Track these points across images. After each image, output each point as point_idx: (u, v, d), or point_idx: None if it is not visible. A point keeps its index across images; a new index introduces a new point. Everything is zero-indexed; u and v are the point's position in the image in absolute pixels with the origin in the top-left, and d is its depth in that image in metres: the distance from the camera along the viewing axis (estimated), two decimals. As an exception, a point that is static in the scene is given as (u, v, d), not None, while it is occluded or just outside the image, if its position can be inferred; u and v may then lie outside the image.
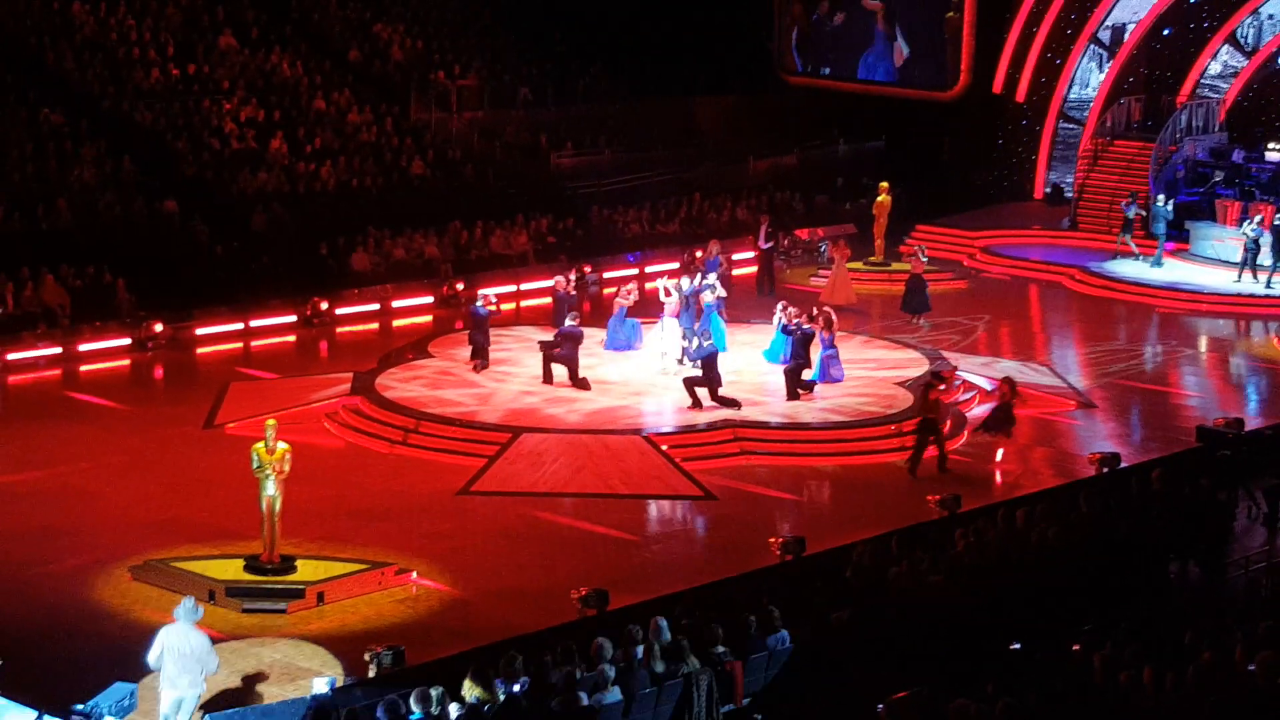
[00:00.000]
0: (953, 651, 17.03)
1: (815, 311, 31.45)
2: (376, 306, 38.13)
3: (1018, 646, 17.40)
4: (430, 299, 38.89)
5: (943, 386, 28.07)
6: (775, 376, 30.43)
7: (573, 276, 36.02)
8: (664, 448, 27.29)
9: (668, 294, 31.81)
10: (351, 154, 42.85)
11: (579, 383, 29.98)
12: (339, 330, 36.84)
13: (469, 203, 42.87)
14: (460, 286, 38.72)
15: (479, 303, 31.68)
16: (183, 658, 17.42)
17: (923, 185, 47.84)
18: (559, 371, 30.31)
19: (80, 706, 16.38)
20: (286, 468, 21.78)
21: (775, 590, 18.28)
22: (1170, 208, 42.45)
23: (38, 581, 22.10)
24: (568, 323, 30.34)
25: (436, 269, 39.88)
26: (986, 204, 49.12)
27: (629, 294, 33.08)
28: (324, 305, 36.81)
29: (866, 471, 27.37)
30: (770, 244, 40.71)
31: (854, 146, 52.64)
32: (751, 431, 28.25)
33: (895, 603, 18.09)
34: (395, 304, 38.36)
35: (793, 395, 29.68)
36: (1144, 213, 42.92)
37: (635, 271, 40.84)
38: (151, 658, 17.60)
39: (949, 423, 28.27)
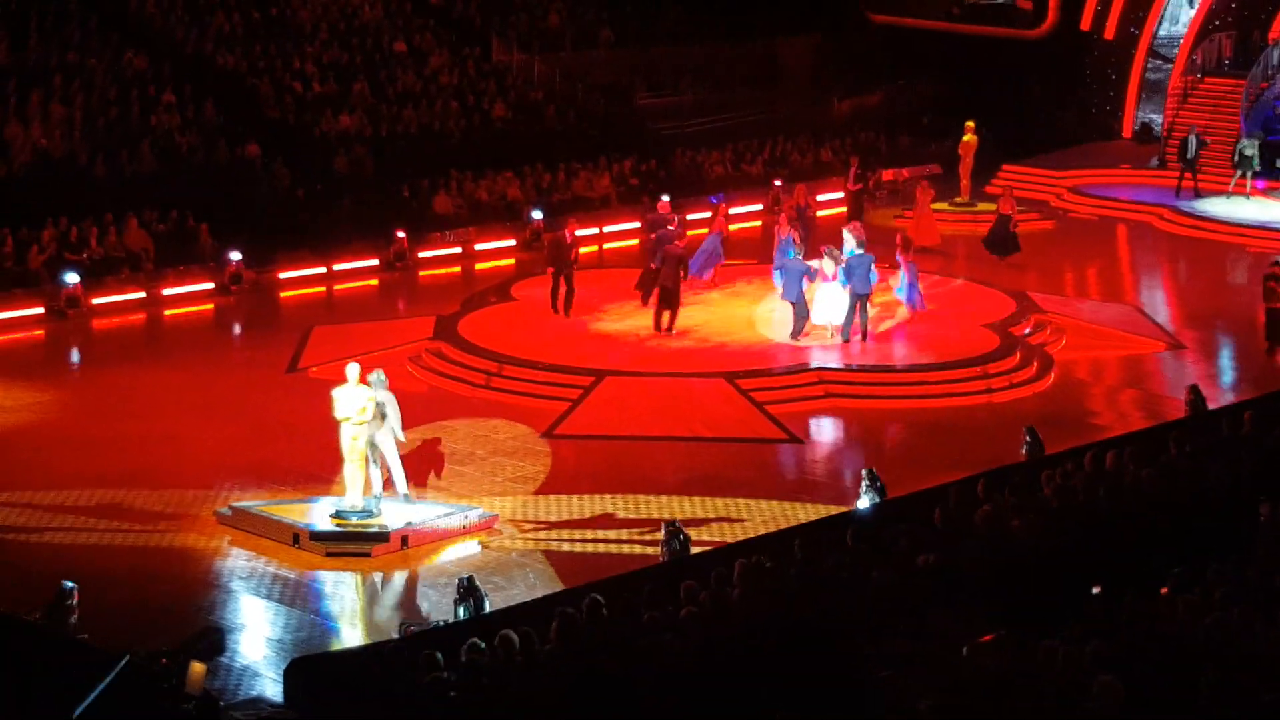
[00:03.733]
0: (1038, 595, 16.93)
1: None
2: (459, 249, 38.21)
3: (1098, 590, 17.29)
4: (513, 241, 38.91)
5: None
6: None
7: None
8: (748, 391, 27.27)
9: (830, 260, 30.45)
10: (433, 96, 42.86)
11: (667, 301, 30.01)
12: (421, 273, 36.95)
13: (551, 145, 42.83)
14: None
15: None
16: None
17: (1009, 125, 47.37)
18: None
19: (167, 651, 16.51)
20: (368, 411, 21.84)
21: (859, 534, 18.18)
22: (1255, 146, 41.87)
23: (124, 526, 22.31)
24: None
25: (519, 211, 39.89)
26: (1073, 143, 48.59)
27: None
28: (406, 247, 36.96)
29: (953, 414, 27.22)
30: (859, 185, 40.48)
31: (939, 86, 52.17)
32: (836, 374, 28.15)
33: (981, 546, 17.99)
34: (477, 246, 38.42)
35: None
36: (1206, 143, 42.42)
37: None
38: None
39: None
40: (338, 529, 21.58)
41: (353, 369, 21.81)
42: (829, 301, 29.96)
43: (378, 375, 22.27)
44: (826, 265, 29.86)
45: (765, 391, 27.38)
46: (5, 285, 32.91)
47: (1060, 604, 16.24)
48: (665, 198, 37.24)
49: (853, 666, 15.40)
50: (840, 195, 41.39)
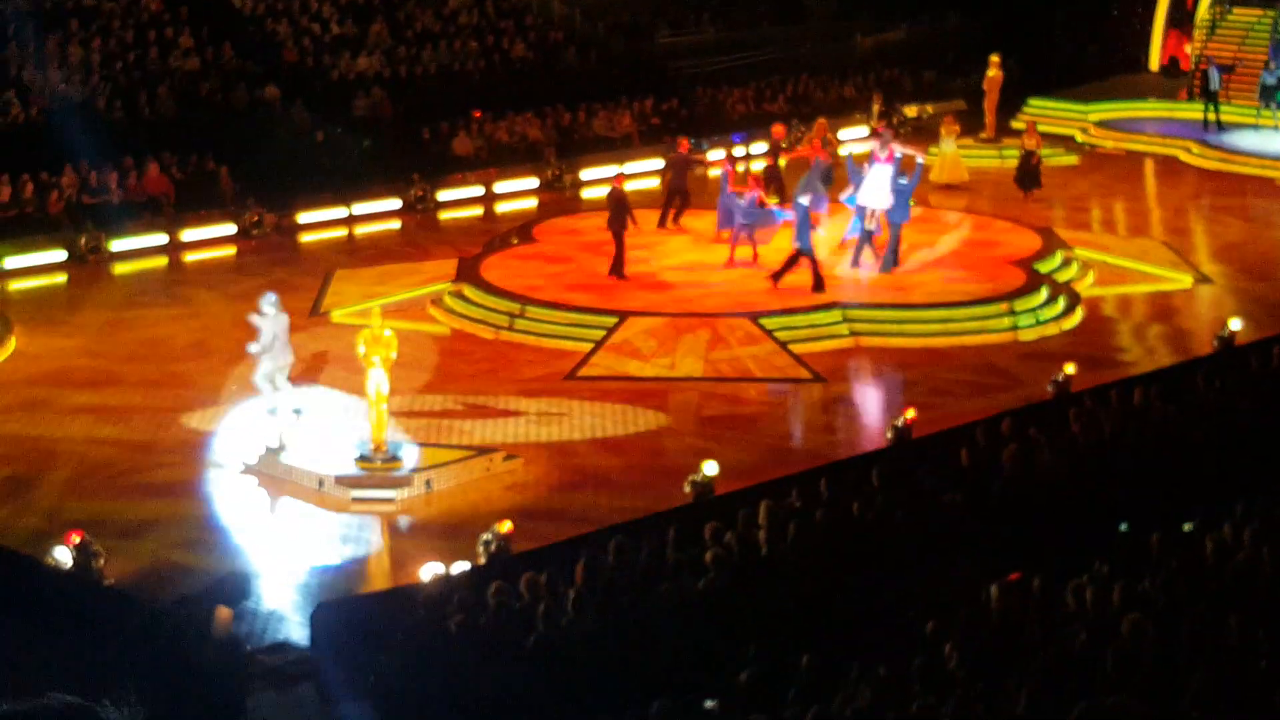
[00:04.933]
0: (1065, 534, 16.94)
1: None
2: (480, 191, 38.16)
3: (1125, 528, 17.29)
4: (535, 183, 38.85)
5: None
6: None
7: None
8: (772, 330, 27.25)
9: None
10: (452, 37, 42.75)
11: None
12: (442, 215, 36.92)
13: (571, 85, 42.72)
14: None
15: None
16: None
17: (1034, 58, 47.08)
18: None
19: (192, 597, 16.62)
20: (393, 354, 21.89)
21: (885, 473, 18.19)
22: (1277, 76, 41.62)
23: (147, 473, 22.38)
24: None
25: (540, 152, 39.82)
26: (1100, 77, 48.30)
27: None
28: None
29: (979, 352, 27.18)
30: (883, 122, 40.31)
31: (963, 20, 51.88)
32: (861, 312, 28.11)
33: (1007, 485, 17.99)
34: (498, 188, 38.37)
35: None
36: (1232, 69, 42.27)
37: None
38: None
39: None
40: (362, 473, 21.64)
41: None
42: (875, 186, 30.08)
43: (270, 298, 23.58)
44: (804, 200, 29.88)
45: (789, 331, 27.36)
46: (26, 230, 32.96)
47: (1087, 543, 16.25)
48: (686, 139, 37.10)
49: (878, 608, 15.43)
50: (864, 133, 41.24)
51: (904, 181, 30.03)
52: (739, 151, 37.41)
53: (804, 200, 29.18)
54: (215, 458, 22.78)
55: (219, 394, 25.13)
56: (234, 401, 24.66)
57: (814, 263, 28.98)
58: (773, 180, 33.26)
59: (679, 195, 33.34)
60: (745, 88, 45.47)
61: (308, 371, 25.89)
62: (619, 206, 30.06)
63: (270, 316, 23.60)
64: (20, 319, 28.56)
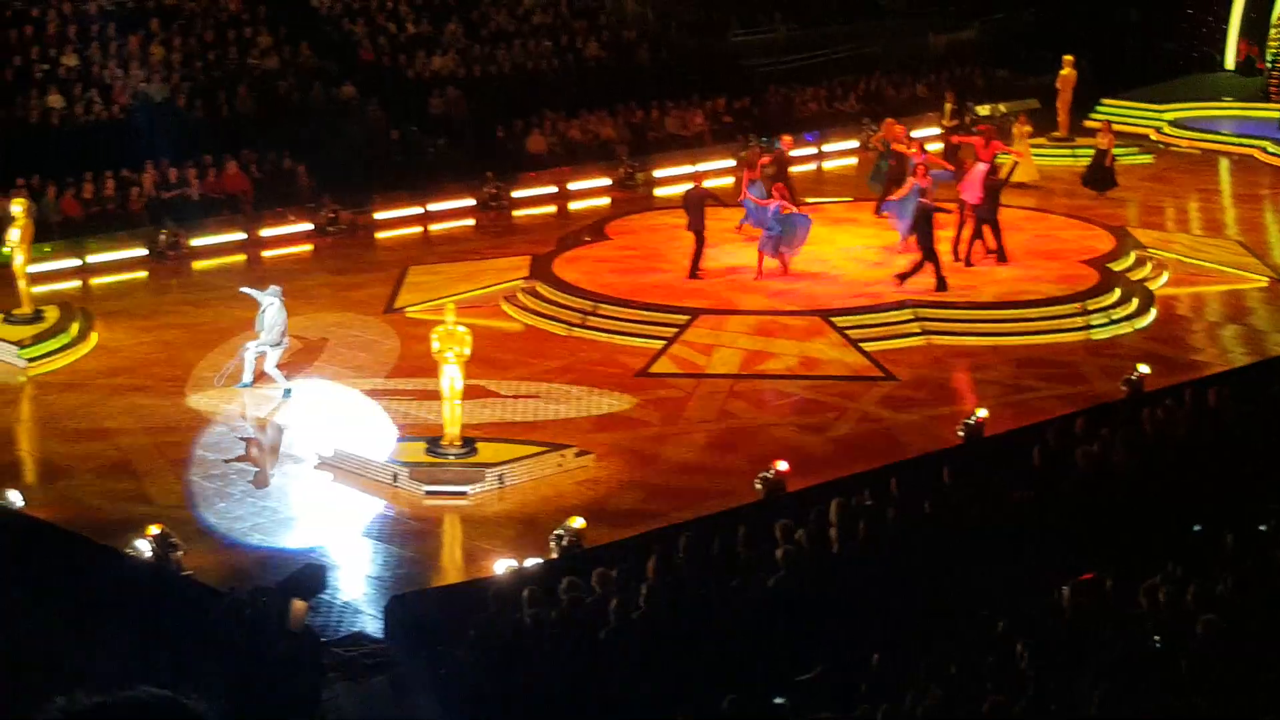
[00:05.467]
0: (1138, 534, 16.82)
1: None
2: (553, 189, 38.21)
3: (1198, 529, 17.16)
4: (607, 181, 38.88)
5: None
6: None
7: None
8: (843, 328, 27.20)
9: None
10: (526, 36, 42.82)
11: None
12: (516, 213, 36.99)
13: (644, 84, 42.70)
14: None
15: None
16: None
17: (1108, 57, 46.72)
18: None
19: (269, 588, 16.70)
20: (466, 350, 21.97)
21: (957, 472, 18.13)
22: None
23: (222, 466, 22.54)
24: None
25: (613, 151, 39.85)
26: (1175, 76, 47.90)
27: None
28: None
29: (1052, 351, 27.02)
30: (956, 121, 40.12)
31: (1037, 18, 51.54)
32: (933, 311, 28.01)
33: (1080, 484, 17.89)
34: (572, 186, 38.41)
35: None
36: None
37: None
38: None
39: None
40: (435, 468, 21.72)
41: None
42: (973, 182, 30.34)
43: (274, 289, 24.96)
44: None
45: (861, 330, 27.29)
46: (108, 227, 33.28)
47: (1160, 543, 16.15)
48: (790, 136, 37.21)
49: (950, 607, 15.37)
50: (936, 131, 41.03)
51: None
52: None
53: (924, 200, 29.20)
54: (293, 451, 22.94)
55: (296, 389, 25.30)
56: (271, 393, 24.90)
57: (936, 264, 28.88)
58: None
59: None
60: (817, 86, 45.33)
61: (383, 368, 26.03)
62: (698, 206, 30.02)
63: (276, 306, 24.66)
64: (102, 314, 28.83)
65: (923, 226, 28.87)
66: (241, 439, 23.52)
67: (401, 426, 23.34)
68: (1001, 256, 30.30)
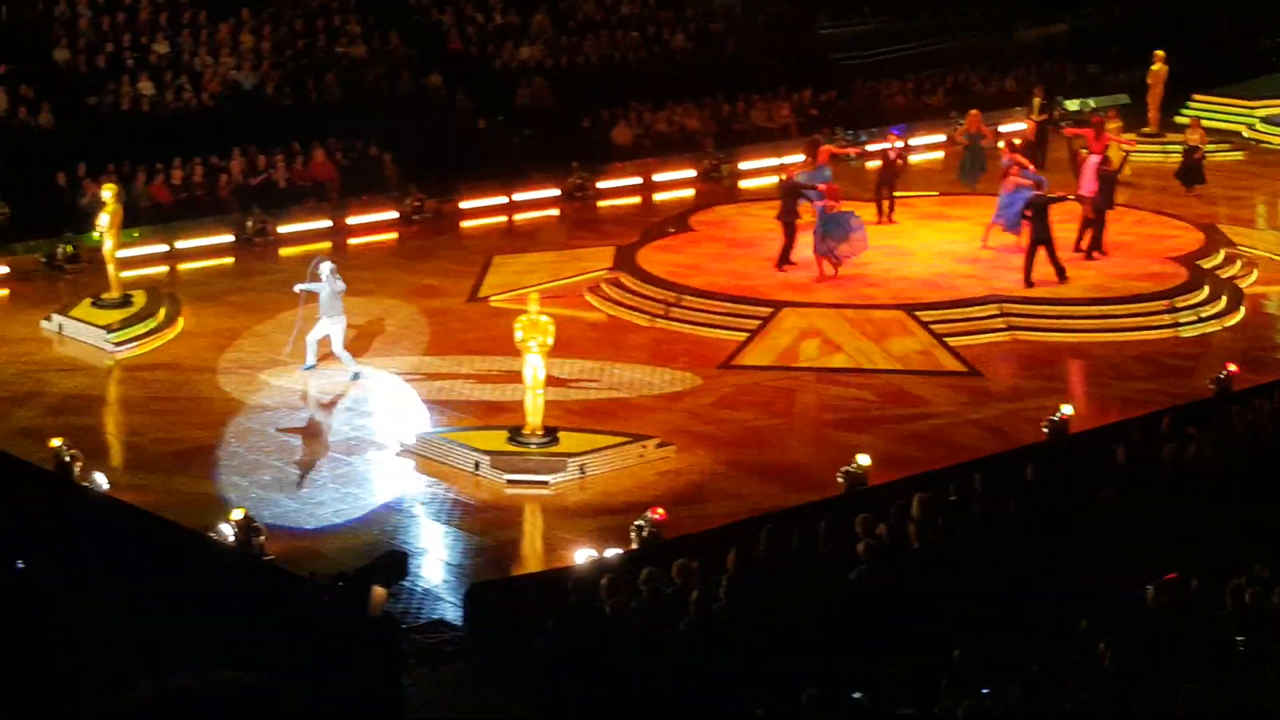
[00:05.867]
0: (1224, 533, 16.64)
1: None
2: (638, 180, 38.19)
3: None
4: (692, 172, 38.82)
5: None
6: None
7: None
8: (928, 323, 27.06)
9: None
10: (614, 27, 42.81)
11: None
12: (600, 204, 37.00)
13: (730, 75, 42.60)
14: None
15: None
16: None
17: (1199, 53, 46.21)
18: None
19: (348, 574, 16.74)
20: (549, 340, 21.99)
21: (1041, 468, 17.99)
22: None
23: (306, 454, 22.67)
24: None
25: (698, 142, 39.79)
26: (1267, 72, 47.31)
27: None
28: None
29: (1139, 348, 26.78)
30: (1045, 116, 39.83)
31: (1128, 13, 51.05)
32: (1018, 307, 27.81)
33: (1165, 482, 17.71)
34: (656, 177, 38.37)
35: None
36: None
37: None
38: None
39: None
40: (517, 456, 21.76)
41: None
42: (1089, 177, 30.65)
43: (327, 265, 24.95)
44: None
45: (945, 324, 27.14)
46: (196, 213, 33.54)
47: (1247, 544, 15.97)
48: (977, 111, 37.09)
49: (1031, 604, 15.25)
50: (1024, 126, 40.72)
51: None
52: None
53: (1039, 192, 29.20)
54: (377, 438, 23.04)
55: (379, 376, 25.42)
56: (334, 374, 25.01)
57: (1052, 252, 28.77)
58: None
59: (886, 186, 33.38)
60: (904, 80, 45.10)
61: (467, 356, 26.10)
62: (790, 197, 29.91)
63: (327, 281, 24.73)
64: (189, 299, 29.04)
65: (1039, 219, 28.71)
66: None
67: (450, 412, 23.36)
68: (1092, 250, 30.10)
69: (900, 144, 32.94)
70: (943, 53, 47.19)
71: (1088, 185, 30.57)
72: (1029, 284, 28.45)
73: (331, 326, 24.90)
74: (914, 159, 39.50)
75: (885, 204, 33.12)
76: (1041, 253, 28.64)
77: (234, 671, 4.63)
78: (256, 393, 24.70)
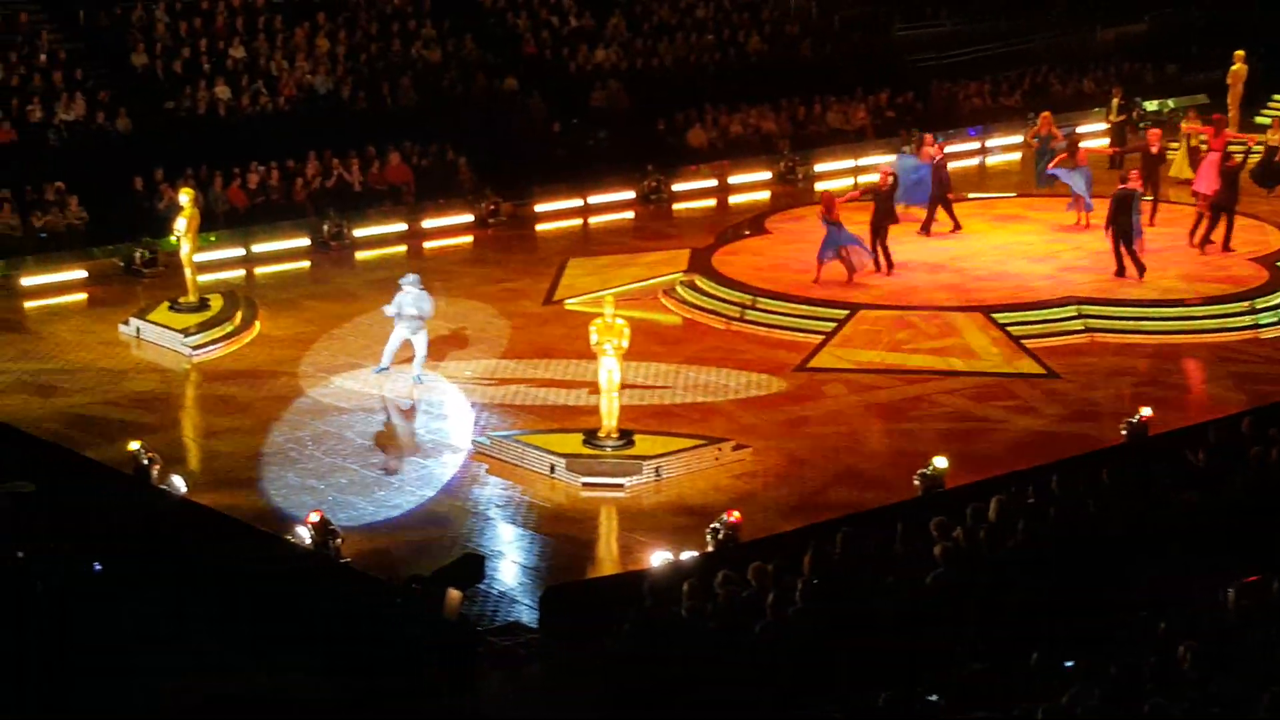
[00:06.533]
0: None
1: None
2: (713, 183, 38.20)
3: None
4: (768, 175, 38.79)
5: None
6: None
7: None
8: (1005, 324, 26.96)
9: None
10: (689, 30, 42.83)
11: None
12: (676, 206, 37.03)
13: (806, 78, 42.52)
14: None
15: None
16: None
17: (1280, 52, 45.75)
18: None
19: (424, 577, 16.82)
20: (625, 343, 22.03)
21: (1119, 471, 17.87)
22: None
23: (383, 456, 22.79)
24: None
25: (773, 145, 39.76)
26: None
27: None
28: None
29: (1218, 349, 26.57)
30: (1123, 117, 39.58)
31: (1207, 12, 50.60)
32: (1096, 308, 27.65)
33: (1246, 484, 17.57)
34: (731, 180, 38.37)
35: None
36: None
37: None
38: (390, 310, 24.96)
39: None
40: (593, 459, 21.80)
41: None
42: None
43: (411, 277, 25.14)
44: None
45: (1022, 326, 27.02)
46: (272, 217, 33.79)
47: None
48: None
49: (1110, 607, 15.16)
50: (1104, 127, 40.49)
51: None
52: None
53: (1124, 186, 29.10)
54: (449, 440, 23.14)
55: (456, 379, 25.52)
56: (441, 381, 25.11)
57: (1131, 250, 28.93)
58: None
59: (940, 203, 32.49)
60: (981, 81, 44.89)
61: (543, 359, 26.18)
62: (888, 200, 29.86)
63: (413, 294, 24.95)
64: (265, 303, 29.26)
65: (1121, 213, 28.72)
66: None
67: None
68: (1205, 244, 30.46)
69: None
70: (1021, 53, 46.94)
71: (1208, 182, 30.85)
72: (1140, 272, 28.87)
73: (412, 335, 25.09)
74: (991, 161, 39.37)
75: (946, 213, 32.42)
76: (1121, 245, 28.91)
77: (300, 675, 4.67)
78: (333, 396, 24.85)
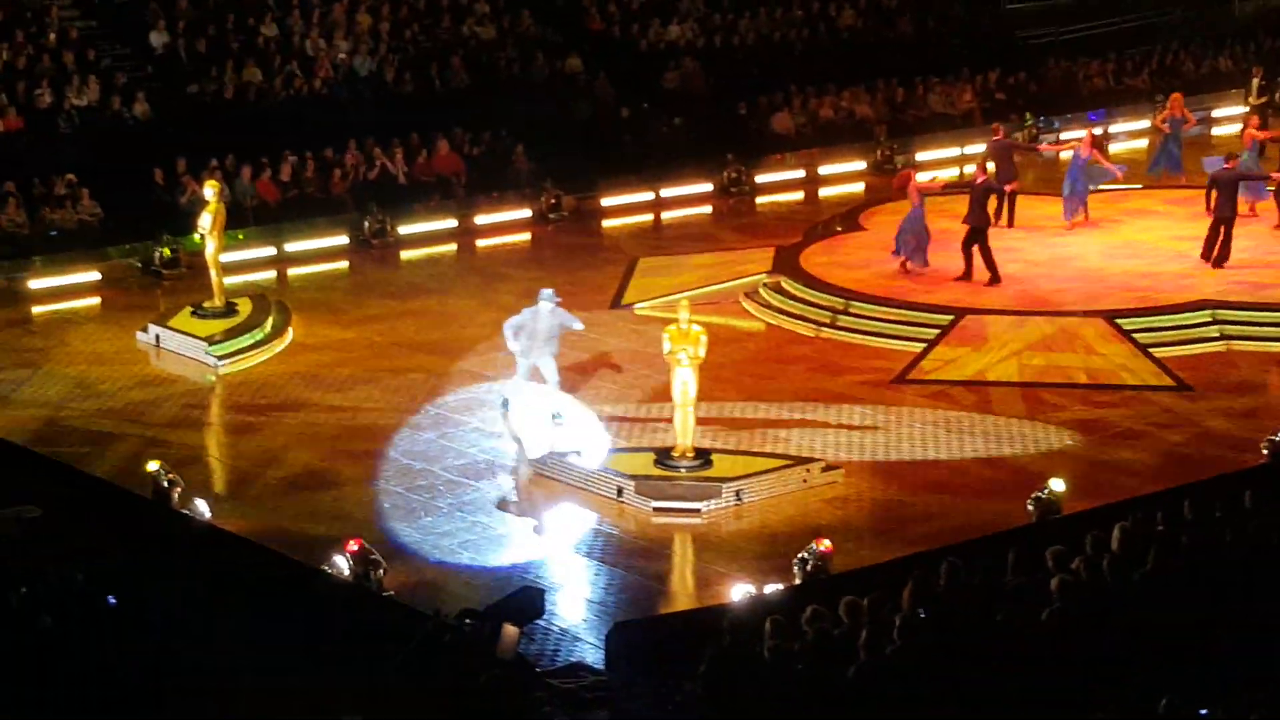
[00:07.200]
0: None
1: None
2: (801, 173, 38.19)
3: None
4: (862, 164, 38.76)
5: None
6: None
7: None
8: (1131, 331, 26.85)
9: None
10: (773, 4, 42.85)
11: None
12: (759, 200, 37.04)
13: (905, 56, 42.50)
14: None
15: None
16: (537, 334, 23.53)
17: None
18: None
19: (478, 612, 16.85)
20: (701, 352, 22.00)
21: (1260, 495, 17.74)
22: None
23: (429, 475, 22.83)
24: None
25: (869, 131, 39.71)
26: None
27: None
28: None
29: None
30: (1264, 98, 39.39)
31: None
32: (1234, 314, 27.50)
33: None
34: (822, 170, 38.35)
35: None
36: None
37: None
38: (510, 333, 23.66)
39: None
40: (665, 481, 21.80)
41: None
42: None
43: (546, 293, 23.79)
44: None
45: (1150, 333, 26.89)
46: (307, 212, 33.95)
47: None
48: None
49: (1249, 646, 15.07)
50: (1242, 110, 40.29)
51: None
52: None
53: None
54: (502, 461, 23.16)
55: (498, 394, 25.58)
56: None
57: (1228, 232, 29.51)
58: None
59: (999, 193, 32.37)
60: (1104, 59, 44.74)
61: (609, 372, 26.20)
62: (982, 197, 29.73)
63: (548, 311, 23.80)
64: (299, 307, 29.40)
65: (1226, 197, 29.25)
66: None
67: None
68: None
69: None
70: (1148, 28, 46.78)
71: None
72: (1215, 261, 29.40)
73: (545, 360, 24.00)
74: (1114, 149, 39.17)
75: (1004, 208, 32.38)
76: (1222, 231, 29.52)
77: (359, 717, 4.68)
78: (372, 412, 24.93)
